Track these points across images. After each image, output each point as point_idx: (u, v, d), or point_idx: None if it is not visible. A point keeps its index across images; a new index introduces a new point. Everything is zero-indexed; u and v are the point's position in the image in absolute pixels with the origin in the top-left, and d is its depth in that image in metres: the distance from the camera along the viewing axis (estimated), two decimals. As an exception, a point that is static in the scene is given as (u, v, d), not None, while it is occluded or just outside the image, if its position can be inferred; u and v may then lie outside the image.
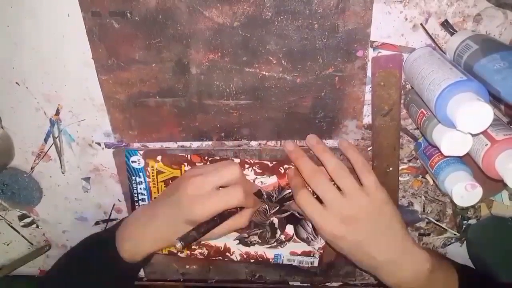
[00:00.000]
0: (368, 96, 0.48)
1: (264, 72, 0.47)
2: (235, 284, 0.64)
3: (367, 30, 0.44)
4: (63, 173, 0.57)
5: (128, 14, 0.45)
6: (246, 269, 0.63)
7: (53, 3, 0.46)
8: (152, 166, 0.54)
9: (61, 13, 0.46)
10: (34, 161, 0.57)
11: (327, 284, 0.63)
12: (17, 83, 0.51)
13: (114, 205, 0.60)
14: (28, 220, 0.63)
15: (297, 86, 0.48)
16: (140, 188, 0.56)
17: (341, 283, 0.63)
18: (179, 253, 0.60)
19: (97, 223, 0.62)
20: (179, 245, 0.43)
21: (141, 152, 0.53)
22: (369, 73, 0.47)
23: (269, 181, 0.54)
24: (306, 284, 0.64)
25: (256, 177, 0.53)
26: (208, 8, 0.44)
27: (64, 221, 0.62)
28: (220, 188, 0.47)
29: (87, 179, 0.58)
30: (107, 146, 0.55)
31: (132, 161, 0.54)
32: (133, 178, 0.55)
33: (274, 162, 0.52)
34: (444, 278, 0.46)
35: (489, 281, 0.51)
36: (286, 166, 0.52)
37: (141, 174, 0.54)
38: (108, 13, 0.45)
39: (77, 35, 0.47)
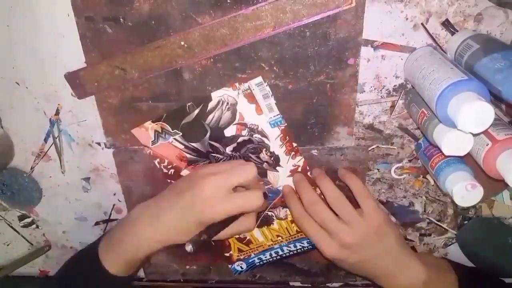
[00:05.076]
0: (364, 96, 0.48)
1: (256, 78, 0.47)
2: (235, 284, 0.64)
3: (358, 39, 0.44)
4: (63, 173, 0.57)
5: (121, 19, 0.45)
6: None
7: (53, 3, 0.46)
8: None
9: (61, 13, 0.46)
10: (34, 161, 0.57)
11: (327, 284, 0.63)
12: (17, 83, 0.51)
13: (114, 205, 0.60)
14: (28, 220, 0.62)
15: (289, 92, 0.48)
16: None
17: (342, 283, 0.63)
18: None
19: (97, 223, 0.62)
20: (189, 248, 0.42)
21: None
22: (360, 81, 0.47)
23: None
24: (306, 285, 0.63)
25: None
26: (201, 14, 0.44)
27: (64, 221, 0.62)
28: (238, 189, 0.46)
29: (87, 179, 0.58)
30: (107, 146, 0.55)
31: None
32: None
33: None
34: None
35: None
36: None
37: None
38: (101, 18, 0.45)
39: (76, 35, 0.47)
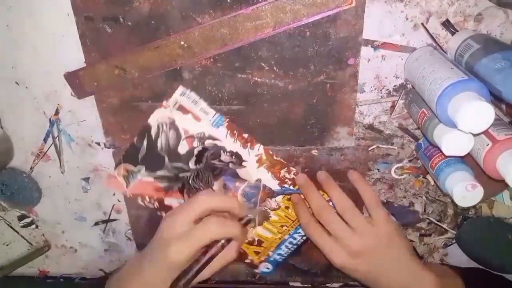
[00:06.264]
0: (364, 96, 0.48)
1: (256, 78, 0.47)
2: (235, 284, 0.64)
3: (358, 39, 0.44)
4: (62, 173, 0.57)
5: (121, 19, 0.45)
6: (247, 269, 0.63)
7: (53, 3, 0.46)
8: None
9: (61, 13, 0.46)
10: (34, 161, 0.57)
11: (327, 284, 0.63)
12: (17, 83, 0.51)
13: (113, 205, 0.60)
14: (27, 220, 0.62)
15: (289, 92, 0.48)
16: None
17: (342, 283, 0.63)
18: None
19: (96, 223, 0.61)
20: None
21: None
22: (360, 81, 0.47)
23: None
24: (306, 285, 0.63)
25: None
26: (201, 13, 0.44)
27: (63, 222, 0.62)
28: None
29: (86, 179, 0.58)
30: (107, 146, 0.55)
31: None
32: None
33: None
34: None
35: None
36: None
37: None
38: (101, 18, 0.45)
39: (76, 35, 0.47)
